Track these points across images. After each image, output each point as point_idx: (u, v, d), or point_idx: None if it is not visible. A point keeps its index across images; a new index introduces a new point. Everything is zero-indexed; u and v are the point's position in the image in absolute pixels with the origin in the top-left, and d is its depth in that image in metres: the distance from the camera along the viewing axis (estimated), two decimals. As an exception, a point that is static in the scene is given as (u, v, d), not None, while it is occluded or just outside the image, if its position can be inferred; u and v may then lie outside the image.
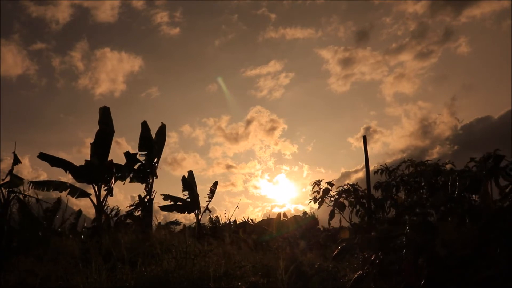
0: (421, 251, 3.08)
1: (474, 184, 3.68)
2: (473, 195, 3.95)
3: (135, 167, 15.75)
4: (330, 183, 8.75)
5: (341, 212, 8.47)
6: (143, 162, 15.97)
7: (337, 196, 8.50)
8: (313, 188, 8.84)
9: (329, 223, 8.63)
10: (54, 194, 17.39)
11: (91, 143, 14.57)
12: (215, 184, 19.93)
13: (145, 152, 16.04)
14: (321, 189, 8.77)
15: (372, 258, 3.38)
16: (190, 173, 19.58)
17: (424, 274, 3.06)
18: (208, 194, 19.76)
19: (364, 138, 8.09)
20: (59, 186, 14.19)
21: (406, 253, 3.15)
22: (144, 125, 16.33)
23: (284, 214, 19.80)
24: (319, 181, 8.85)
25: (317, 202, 8.75)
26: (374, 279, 3.30)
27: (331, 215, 8.50)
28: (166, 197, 18.34)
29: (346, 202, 8.46)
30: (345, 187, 8.48)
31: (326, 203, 8.69)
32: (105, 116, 14.74)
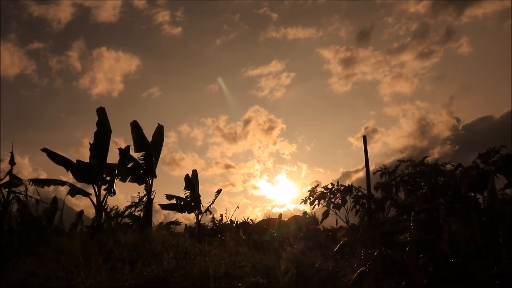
0: (425, 249, 3.06)
1: (480, 182, 3.63)
2: (479, 193, 3.91)
3: (132, 166, 15.72)
4: (326, 188, 8.97)
5: (337, 212, 8.61)
6: (141, 162, 15.93)
7: (331, 196, 8.67)
8: (309, 194, 9.11)
9: (320, 222, 8.94)
10: (54, 195, 17.41)
11: (90, 144, 14.57)
12: (219, 191, 20.16)
13: (142, 153, 16.00)
14: (316, 194, 9.04)
15: (376, 253, 3.34)
16: (194, 172, 19.94)
17: (427, 272, 3.05)
18: (214, 197, 19.90)
19: (364, 138, 8.11)
20: (59, 184, 14.23)
21: (409, 250, 3.13)
22: (134, 125, 16.10)
23: (294, 218, 19.86)
24: (314, 188, 9.16)
25: (309, 202, 9.01)
26: (376, 275, 3.27)
27: (325, 215, 8.66)
28: (169, 196, 18.46)
29: (341, 201, 8.63)
30: (339, 187, 8.64)
31: (322, 203, 8.89)
32: (102, 116, 14.75)
